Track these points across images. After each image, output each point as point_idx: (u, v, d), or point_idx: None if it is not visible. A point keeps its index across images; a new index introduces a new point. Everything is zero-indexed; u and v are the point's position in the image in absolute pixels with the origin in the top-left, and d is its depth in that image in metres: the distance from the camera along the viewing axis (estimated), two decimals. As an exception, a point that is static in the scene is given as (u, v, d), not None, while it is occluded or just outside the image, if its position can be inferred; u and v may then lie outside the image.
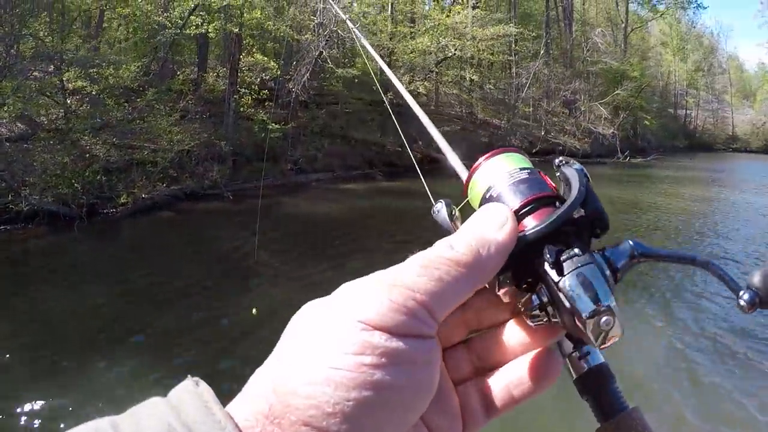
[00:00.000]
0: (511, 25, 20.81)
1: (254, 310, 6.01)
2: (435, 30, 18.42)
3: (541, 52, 27.34)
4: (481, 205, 0.47)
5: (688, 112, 53.73)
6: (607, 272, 0.42)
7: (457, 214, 0.47)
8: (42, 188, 11.73)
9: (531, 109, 26.63)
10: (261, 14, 15.39)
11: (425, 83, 17.32)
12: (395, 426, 0.32)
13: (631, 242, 0.44)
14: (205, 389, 0.32)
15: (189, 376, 0.33)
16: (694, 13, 62.64)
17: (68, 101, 14.97)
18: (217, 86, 16.06)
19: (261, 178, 15.07)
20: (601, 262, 0.42)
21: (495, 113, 25.44)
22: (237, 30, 15.09)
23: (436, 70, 18.65)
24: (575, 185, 0.47)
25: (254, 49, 16.53)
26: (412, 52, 17.87)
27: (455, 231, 0.43)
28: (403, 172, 17.08)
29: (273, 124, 15.42)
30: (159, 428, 0.29)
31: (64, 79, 14.11)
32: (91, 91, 14.50)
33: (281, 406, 0.30)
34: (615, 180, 21.71)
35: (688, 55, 54.02)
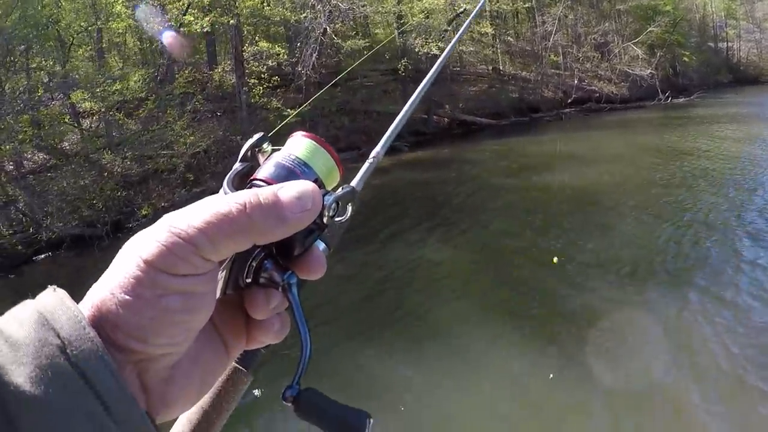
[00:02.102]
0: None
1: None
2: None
3: (566, -6, 25.60)
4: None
5: (729, 44, 50.35)
6: None
7: (268, 149, 0.50)
8: (66, 214, 11.70)
9: (560, 57, 25.00)
10: (255, 1, 14.71)
11: (439, 44, 16.15)
12: (179, 334, 0.40)
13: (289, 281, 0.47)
14: (60, 291, 0.40)
15: (49, 286, 0.41)
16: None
17: (82, 123, 14.88)
18: (225, 81, 15.41)
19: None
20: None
21: (523, 66, 24.02)
22: (233, 21, 14.42)
23: (450, 29, 17.40)
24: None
25: (257, 38, 15.77)
26: (420, 13, 16.74)
27: (259, 163, 0.49)
28: (430, 140, 16.09)
29: (288, 110, 14.73)
30: (31, 315, 0.37)
31: (74, 102, 14.01)
32: (100, 109, 14.35)
33: (98, 313, 0.39)
34: (656, 124, 20.10)
35: (722, -18, 50.56)
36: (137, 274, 0.38)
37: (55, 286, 0.40)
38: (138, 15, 15.06)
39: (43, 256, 11.05)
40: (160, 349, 0.40)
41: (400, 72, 16.00)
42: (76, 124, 14.82)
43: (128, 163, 14.05)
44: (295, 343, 0.46)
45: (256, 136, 0.51)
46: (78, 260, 10.78)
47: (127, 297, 0.38)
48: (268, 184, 0.45)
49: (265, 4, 14.79)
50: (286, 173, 0.46)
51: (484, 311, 5.95)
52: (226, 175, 0.48)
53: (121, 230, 11.89)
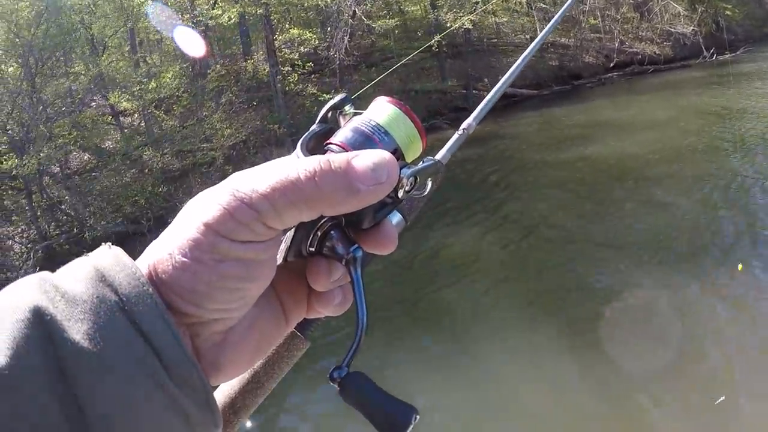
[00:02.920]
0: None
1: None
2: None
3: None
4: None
5: (773, -7, 47.90)
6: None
7: (350, 111, 0.47)
8: (108, 212, 12.00)
9: (599, 20, 24.04)
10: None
11: (471, 17, 15.64)
12: (234, 300, 0.39)
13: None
14: (116, 248, 0.40)
15: (103, 243, 0.41)
16: None
17: (122, 122, 15.18)
18: (260, 71, 15.32)
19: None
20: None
21: (562, 32, 23.20)
22: (261, 11, 14.29)
23: (479, 0, 16.85)
24: None
25: (287, 25, 15.61)
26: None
27: (340, 126, 0.46)
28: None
29: (324, 95, 14.57)
30: (88, 272, 0.36)
31: (113, 103, 14.29)
32: (138, 107, 14.60)
33: (155, 272, 0.38)
34: (699, 84, 19.15)
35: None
36: (196, 237, 0.37)
37: (110, 243, 0.40)
38: (148, 11, 15.10)
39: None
40: (214, 314, 0.39)
41: (434, 49, 15.62)
42: (115, 123, 15.11)
43: (168, 158, 14.24)
44: (350, 322, 0.42)
45: (338, 97, 0.48)
46: None
47: (185, 259, 0.37)
48: (344, 149, 0.42)
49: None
50: (364, 139, 0.43)
51: (518, 307, 5.57)
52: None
53: (163, 225, 12.00)
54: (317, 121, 0.47)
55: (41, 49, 13.58)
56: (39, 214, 12.17)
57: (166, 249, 0.38)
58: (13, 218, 12.24)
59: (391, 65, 17.40)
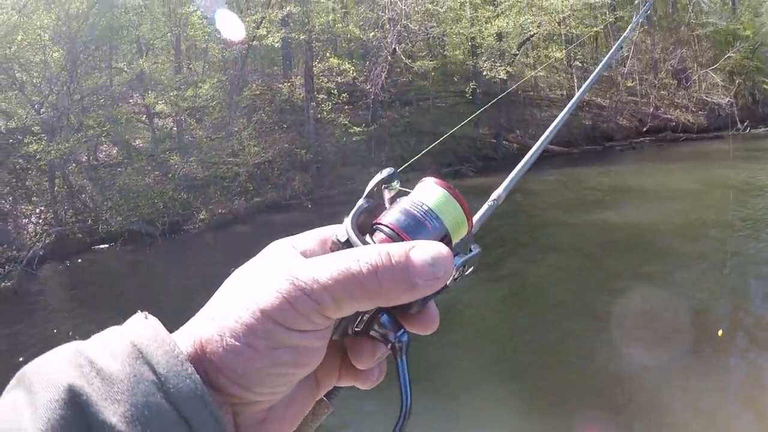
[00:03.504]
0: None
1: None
2: (512, 8, 16.79)
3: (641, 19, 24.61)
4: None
5: (813, 70, 47.53)
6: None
7: (396, 187, 0.47)
8: (125, 209, 12.09)
9: (636, 83, 24.04)
10: (329, 17, 14.78)
11: (508, 68, 15.72)
12: (282, 384, 0.39)
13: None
14: (153, 319, 0.38)
15: (139, 311, 0.39)
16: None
17: (155, 124, 15.37)
18: (295, 95, 15.51)
19: (344, 183, 14.41)
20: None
21: (599, 92, 23.22)
22: (305, 37, 14.51)
23: (518, 52, 16.93)
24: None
25: (327, 54, 15.82)
26: (489, 36, 16.37)
27: (385, 203, 0.46)
28: (497, 166, 15.68)
29: (354, 128, 14.69)
30: (124, 347, 0.35)
31: (148, 104, 14.50)
32: (173, 112, 14.79)
33: (202, 352, 0.37)
34: (731, 157, 18.83)
35: (807, 6, 47.81)
36: (252, 323, 0.37)
37: (146, 313, 0.39)
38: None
39: (102, 246, 11.43)
40: (260, 397, 0.39)
41: (467, 95, 15.72)
42: (147, 123, 15.30)
43: (193, 166, 14.37)
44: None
45: (386, 172, 0.47)
46: (132, 255, 11.15)
47: (237, 344, 0.36)
48: (395, 232, 0.43)
49: (336, 21, 14.79)
50: (416, 224, 0.44)
51: (507, 372, 5.39)
52: (350, 211, 0.45)
53: (177, 232, 12.24)
54: (364, 196, 0.47)
55: (87, 41, 13.88)
56: (59, 199, 12.34)
57: (216, 329, 0.37)
58: (33, 198, 12.43)
59: (426, 106, 17.55)
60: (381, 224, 0.44)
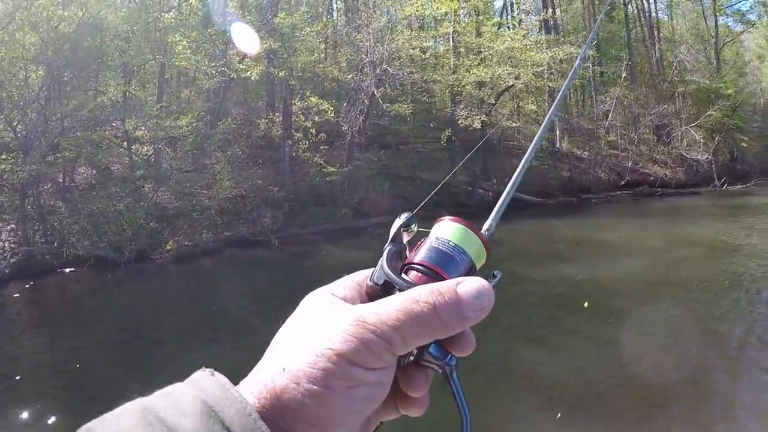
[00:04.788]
0: (575, 47, 18.87)
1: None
2: (492, 58, 17.04)
3: (623, 75, 25.14)
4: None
5: (794, 130, 48.72)
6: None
7: (414, 229, 0.52)
8: (94, 235, 11.99)
9: (617, 137, 24.39)
10: (313, 57, 14.89)
11: (483, 117, 15.84)
12: (357, 421, 0.42)
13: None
14: (220, 377, 0.40)
15: (203, 367, 0.41)
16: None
17: (135, 150, 15.30)
18: (273, 131, 15.49)
19: (316, 223, 14.29)
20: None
21: (579, 144, 23.51)
22: (283, 74, 14.59)
23: (495, 102, 17.09)
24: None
25: (308, 92, 15.89)
26: (468, 85, 16.57)
27: (402, 241, 0.51)
28: (471, 213, 15.68)
29: (329, 168, 14.66)
30: (195, 405, 0.36)
31: (128, 129, 14.47)
32: (152, 140, 14.75)
33: (277, 403, 0.39)
34: (701, 213, 18.95)
35: (789, 68, 49.27)
36: (328, 366, 0.39)
37: (212, 370, 0.40)
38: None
39: (68, 269, 11.36)
40: None
41: (442, 142, 15.83)
42: (126, 149, 15.20)
43: (167, 195, 14.25)
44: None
45: (404, 216, 0.52)
46: (96, 280, 11.02)
47: (316, 388, 0.38)
48: (429, 269, 0.48)
49: (318, 61, 14.89)
50: (446, 259, 0.48)
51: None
52: (382, 254, 0.49)
53: (143, 260, 12.09)
54: (390, 240, 0.51)
55: (69, 62, 13.85)
56: (29, 218, 12.15)
57: (290, 377, 0.38)
58: (4, 216, 12.23)
59: (406, 150, 17.59)
60: (414, 263, 0.49)
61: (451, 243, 0.49)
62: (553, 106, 0.85)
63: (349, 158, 15.25)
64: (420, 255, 0.49)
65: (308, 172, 15.17)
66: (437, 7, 17.74)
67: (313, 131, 15.21)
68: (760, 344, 6.69)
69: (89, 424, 0.34)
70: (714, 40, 36.79)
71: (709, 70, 33.33)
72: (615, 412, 5.17)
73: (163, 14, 17.28)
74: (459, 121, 15.78)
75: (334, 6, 24.88)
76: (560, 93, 0.91)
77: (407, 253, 0.51)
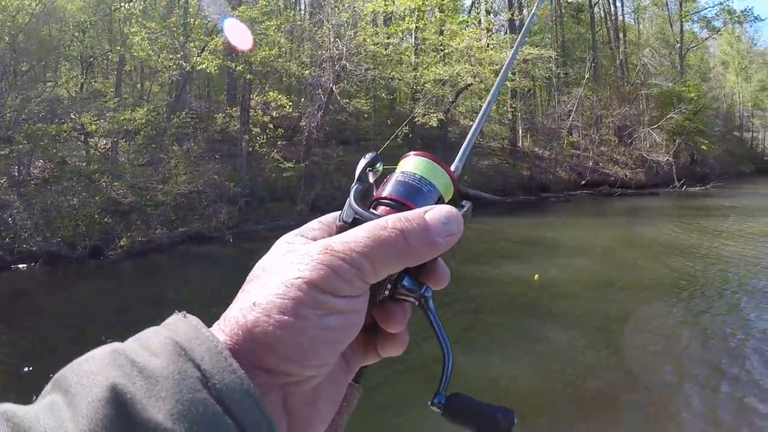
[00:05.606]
0: (536, 48, 19.04)
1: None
2: (452, 56, 17.11)
3: (587, 76, 25.51)
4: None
5: (754, 134, 50.21)
6: None
7: (380, 168, 0.51)
8: (45, 230, 11.84)
9: (579, 138, 24.73)
10: (273, 51, 14.74)
11: (440, 115, 15.88)
12: (331, 353, 0.41)
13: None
14: (192, 318, 0.39)
15: (176, 311, 0.41)
16: (754, 30, 59.38)
17: (91, 143, 14.98)
18: (231, 126, 15.31)
19: (272, 219, 14.18)
20: None
21: (541, 143, 23.77)
22: (240, 68, 14.42)
23: (452, 99, 17.16)
24: None
25: (267, 87, 15.73)
26: (427, 83, 16.60)
27: (368, 180, 0.51)
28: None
29: (286, 163, 14.54)
30: (165, 345, 0.35)
31: (84, 122, 14.15)
32: (109, 133, 14.46)
33: (249, 337, 0.38)
34: (661, 214, 19.22)
35: (751, 74, 50.77)
36: (298, 295, 0.39)
37: (185, 312, 0.40)
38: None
39: (22, 266, 11.11)
40: (313, 370, 0.40)
41: (398, 139, 15.86)
42: (82, 142, 14.88)
43: (123, 190, 13.98)
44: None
45: (369, 156, 0.52)
46: (47, 277, 10.85)
47: (287, 318, 0.38)
48: (397, 201, 0.48)
49: (277, 56, 14.74)
50: (413, 191, 0.48)
51: None
52: (349, 194, 0.48)
53: (97, 256, 11.84)
54: (357, 179, 0.50)
55: (24, 53, 13.50)
56: None
57: (261, 311, 0.38)
58: None
59: (367, 146, 17.55)
60: (382, 198, 0.48)
61: (417, 176, 0.49)
62: (494, 87, 0.83)
63: (307, 154, 15.15)
64: (387, 189, 0.49)
65: (265, 168, 15.03)
66: (401, 3, 17.75)
67: (272, 126, 15.07)
68: (703, 344, 6.83)
69: (61, 371, 0.34)
70: (679, 45, 37.63)
71: (673, 74, 34.07)
72: (556, 413, 5.20)
73: (122, 4, 16.99)
74: (416, 119, 15.82)
75: (302, 0, 24.76)
76: (498, 79, 0.89)
77: (375, 191, 0.50)
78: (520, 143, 23.15)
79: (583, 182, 23.49)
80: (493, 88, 0.74)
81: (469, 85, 16.98)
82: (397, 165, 0.51)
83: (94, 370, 0.33)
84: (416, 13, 18.21)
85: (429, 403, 0.46)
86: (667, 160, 27.95)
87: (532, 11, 0.99)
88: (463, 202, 0.51)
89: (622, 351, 6.69)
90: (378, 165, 0.51)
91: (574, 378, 5.97)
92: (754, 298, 8.72)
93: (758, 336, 6.92)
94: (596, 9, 32.92)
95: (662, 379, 5.91)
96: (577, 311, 8.22)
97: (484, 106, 0.70)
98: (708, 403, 5.24)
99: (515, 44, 0.97)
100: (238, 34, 14.21)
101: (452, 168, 0.55)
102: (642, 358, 6.35)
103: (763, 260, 11.26)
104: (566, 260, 11.55)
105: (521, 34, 0.97)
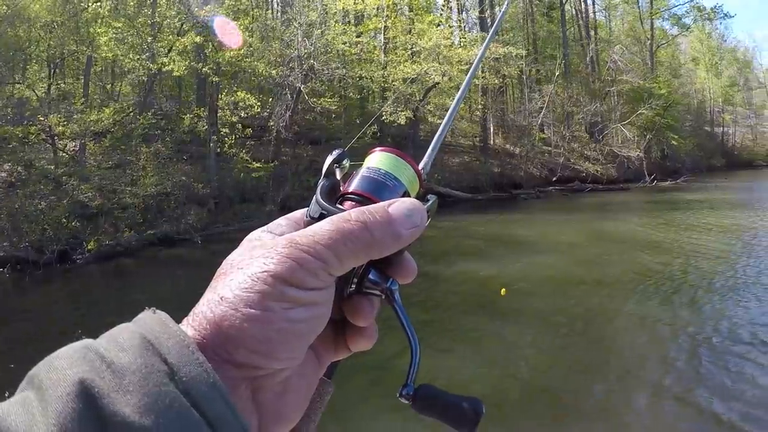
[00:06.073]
0: (507, 46, 19.20)
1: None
2: (420, 54, 17.18)
3: (557, 73, 25.79)
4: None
5: (725, 129, 51.20)
6: None
7: (346, 165, 0.52)
8: (13, 235, 11.69)
9: (550, 135, 24.98)
10: (238, 52, 14.67)
11: (408, 113, 15.94)
12: (299, 345, 0.41)
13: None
14: (161, 313, 0.40)
15: (146, 307, 0.41)
16: (724, 27, 60.56)
17: (59, 145, 14.77)
18: (198, 127, 15.20)
19: (242, 220, 14.13)
20: None
21: (512, 140, 23.95)
22: (207, 69, 14.34)
23: (422, 99, 17.20)
24: None
25: (235, 87, 15.65)
26: (396, 81, 16.64)
27: (335, 176, 0.52)
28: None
29: (255, 164, 14.50)
30: (133, 340, 0.36)
31: (51, 124, 13.95)
32: (76, 134, 14.27)
33: (217, 331, 0.39)
34: (626, 209, 19.34)
35: (722, 70, 51.75)
36: (264, 288, 0.39)
37: (154, 308, 0.40)
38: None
39: None
40: (282, 363, 0.41)
41: (366, 138, 15.88)
42: (50, 144, 14.67)
43: (91, 193, 13.81)
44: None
45: (336, 152, 0.53)
46: (13, 283, 10.73)
47: (254, 311, 0.38)
48: (362, 196, 0.49)
49: (245, 56, 14.68)
50: (378, 186, 0.49)
51: None
52: (316, 190, 0.49)
53: (65, 261, 11.73)
54: (324, 175, 0.51)
55: None
56: None
57: (228, 305, 0.38)
58: None
59: (337, 146, 17.51)
60: (347, 193, 0.50)
61: (382, 171, 0.50)
62: (463, 85, 0.86)
63: (276, 154, 15.11)
64: (353, 185, 0.50)
65: (234, 169, 14.96)
66: (371, 2, 17.76)
67: (240, 126, 15.00)
68: (666, 339, 6.82)
69: (35, 367, 0.35)
70: (650, 41, 38.22)
71: (644, 70, 34.57)
72: (516, 412, 5.22)
73: (90, 3, 16.76)
74: (383, 118, 15.85)
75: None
76: (467, 78, 0.91)
77: (342, 187, 0.51)
78: (492, 140, 23.32)
79: (554, 179, 23.73)
80: (462, 86, 0.78)
81: (437, 83, 17.06)
82: (364, 161, 0.53)
83: (64, 366, 0.34)
84: (386, 11, 18.26)
85: (398, 394, 0.46)
86: (638, 155, 28.39)
87: (502, 10, 1.03)
88: (429, 196, 0.52)
89: (584, 348, 6.67)
90: (345, 161, 0.52)
91: (534, 375, 5.99)
92: (719, 292, 8.74)
93: (724, 332, 6.90)
94: (567, 6, 33.31)
95: (623, 376, 5.88)
96: (540, 308, 8.17)
97: (453, 104, 0.73)
98: (666, 399, 5.27)
99: (483, 45, 1.02)
100: (226, 32, 14.16)
101: (421, 165, 0.58)
102: (603, 355, 6.41)
103: (728, 254, 11.39)
104: (532, 257, 11.62)
105: (490, 34, 1.01)
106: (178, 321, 0.40)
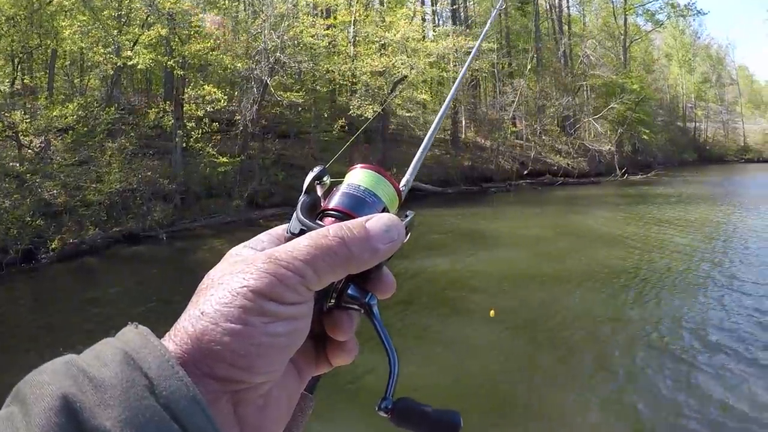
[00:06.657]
0: (476, 40, 19.23)
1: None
2: (387, 47, 17.16)
3: (529, 66, 25.94)
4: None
5: (697, 124, 52.02)
6: None
7: (327, 182, 0.53)
8: None
9: (522, 128, 25.13)
10: (207, 44, 14.50)
11: (375, 107, 15.90)
12: (280, 359, 0.42)
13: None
14: (143, 328, 0.40)
15: (129, 322, 0.41)
16: (698, 23, 61.49)
17: (26, 142, 14.44)
18: (163, 121, 14.99)
19: (208, 216, 14.00)
20: None
21: (483, 134, 24.04)
22: (172, 63, 14.14)
23: (391, 92, 17.16)
24: None
25: (201, 81, 15.46)
26: (364, 75, 16.59)
27: (318, 195, 0.53)
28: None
29: (221, 158, 14.36)
30: (115, 355, 0.36)
31: (14, 120, 13.61)
32: (39, 131, 13.97)
33: (198, 346, 0.39)
34: (595, 202, 19.47)
35: (694, 66, 52.50)
36: (244, 303, 0.40)
37: (137, 323, 0.41)
38: None
39: None
40: (261, 377, 0.41)
41: (333, 132, 15.82)
42: (14, 140, 14.36)
43: (56, 191, 13.55)
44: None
45: (317, 169, 0.53)
46: None
47: (234, 326, 0.39)
48: (342, 213, 0.50)
49: (211, 49, 14.50)
50: (357, 202, 0.50)
51: None
52: (296, 206, 0.50)
53: (30, 261, 11.46)
54: (304, 192, 0.52)
55: None
56: None
57: (209, 320, 0.39)
58: None
59: (307, 139, 17.46)
60: (327, 209, 0.50)
61: (362, 187, 0.51)
62: (453, 88, 0.86)
63: (243, 148, 14.99)
64: (333, 201, 0.50)
65: (201, 163, 14.79)
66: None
67: (206, 121, 14.84)
68: (628, 335, 6.88)
69: (20, 382, 0.35)
70: (623, 37, 38.64)
71: (617, 65, 34.95)
72: (478, 410, 5.17)
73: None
74: (351, 111, 15.78)
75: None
76: (459, 77, 0.93)
77: (322, 203, 0.52)
78: (463, 134, 23.38)
79: (525, 172, 23.89)
80: (445, 102, 0.79)
81: (405, 77, 17.04)
82: (344, 178, 0.53)
83: (48, 381, 0.34)
84: (355, 4, 18.18)
85: (376, 408, 0.46)
86: (610, 149, 28.72)
87: (492, 15, 1.02)
88: (407, 212, 0.53)
89: (546, 343, 6.70)
90: (325, 178, 0.53)
91: (497, 374, 6.00)
92: (680, 288, 8.85)
93: (688, 327, 6.98)
94: (541, 1, 33.52)
95: (585, 373, 5.94)
96: (503, 303, 8.17)
97: (436, 119, 0.75)
98: (629, 395, 5.33)
99: (470, 56, 1.03)
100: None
101: (403, 181, 0.59)
102: (566, 352, 6.43)
103: (692, 249, 11.59)
104: (496, 252, 11.64)
105: (477, 42, 1.00)
106: (159, 334, 0.40)
